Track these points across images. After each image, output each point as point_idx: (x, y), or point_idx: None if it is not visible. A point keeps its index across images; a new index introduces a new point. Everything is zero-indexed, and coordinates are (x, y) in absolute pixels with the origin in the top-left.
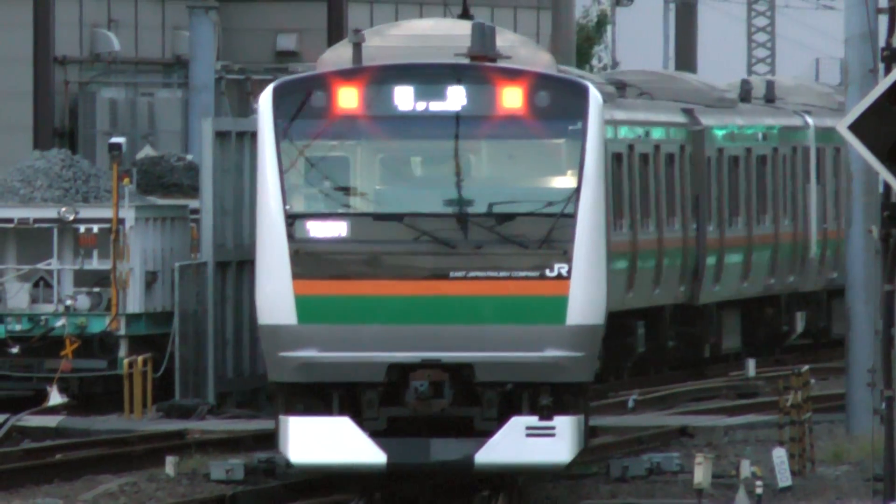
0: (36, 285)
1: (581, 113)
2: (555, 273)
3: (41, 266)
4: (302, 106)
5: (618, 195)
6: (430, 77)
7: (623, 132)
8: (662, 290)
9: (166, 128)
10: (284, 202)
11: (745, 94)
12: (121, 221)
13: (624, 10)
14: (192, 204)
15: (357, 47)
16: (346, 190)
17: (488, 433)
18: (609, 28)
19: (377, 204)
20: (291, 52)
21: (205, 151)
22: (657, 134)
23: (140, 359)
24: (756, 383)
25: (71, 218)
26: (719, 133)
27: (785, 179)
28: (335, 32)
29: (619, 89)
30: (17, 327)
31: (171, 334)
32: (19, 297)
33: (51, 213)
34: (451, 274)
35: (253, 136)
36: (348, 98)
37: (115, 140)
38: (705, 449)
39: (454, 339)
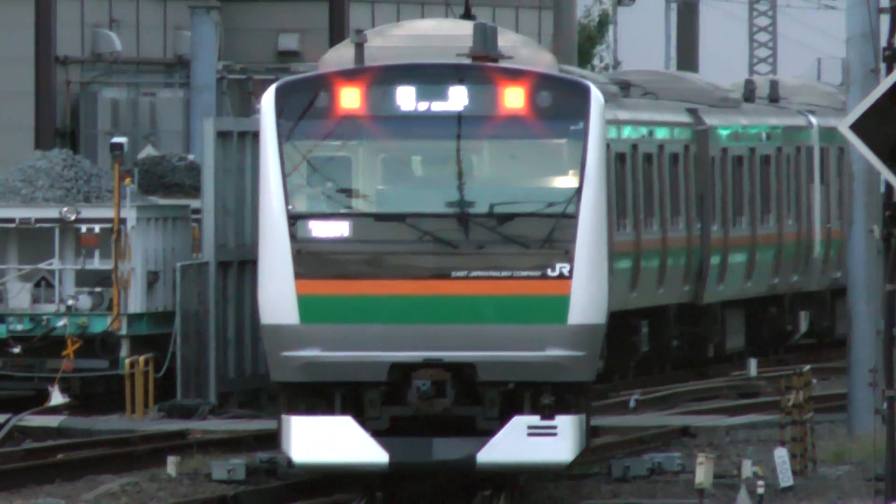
0: (37, 285)
1: (583, 113)
2: (556, 273)
3: (43, 266)
4: (304, 106)
5: (621, 195)
6: (432, 77)
7: (627, 132)
8: (666, 290)
9: (168, 128)
10: (287, 202)
11: (749, 93)
12: (122, 221)
13: (625, 9)
14: (194, 204)
15: (359, 47)
16: (348, 190)
17: (490, 432)
18: (611, 28)
19: (379, 204)
20: (293, 51)
21: (206, 151)
22: (661, 134)
23: (141, 359)
24: (757, 383)
25: (72, 218)
26: (723, 133)
27: (789, 179)
28: (337, 32)
29: (623, 89)
30: (19, 327)
31: (172, 334)
32: (21, 296)
33: (52, 212)
34: (453, 274)
35: (254, 136)
36: (351, 98)
37: (116, 140)
38: (707, 449)
39: (456, 338)
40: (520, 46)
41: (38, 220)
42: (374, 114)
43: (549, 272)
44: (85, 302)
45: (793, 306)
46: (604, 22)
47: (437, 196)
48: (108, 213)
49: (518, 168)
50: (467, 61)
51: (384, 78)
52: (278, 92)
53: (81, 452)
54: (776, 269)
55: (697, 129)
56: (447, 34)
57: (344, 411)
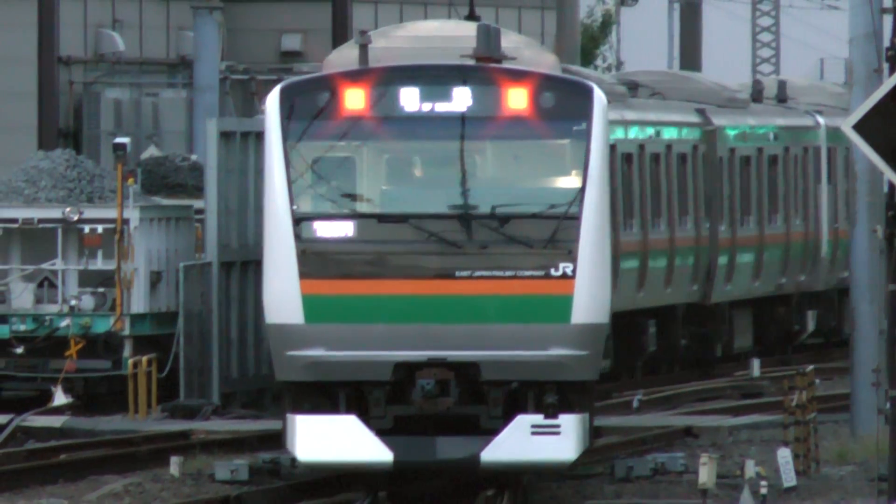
0: (40, 285)
1: (586, 113)
2: (559, 272)
3: (46, 266)
4: (309, 107)
5: (628, 195)
6: (435, 78)
7: (634, 132)
8: (674, 290)
9: (171, 128)
10: (291, 202)
11: (757, 94)
12: (125, 221)
13: (628, 10)
14: (197, 204)
15: (363, 48)
16: (352, 190)
17: (494, 431)
18: (613, 28)
19: (384, 204)
20: (296, 52)
21: (209, 151)
22: (669, 134)
23: (144, 359)
24: (761, 383)
25: (75, 218)
26: (731, 133)
27: (796, 179)
28: (339, 33)
29: (630, 89)
30: (22, 327)
31: (175, 334)
32: (24, 297)
33: (55, 213)
34: (457, 273)
35: (257, 136)
36: (355, 99)
37: (119, 140)
38: (710, 449)
39: (460, 338)
40: (523, 47)
41: (41, 221)
42: (379, 114)
43: (553, 272)
44: (88, 302)
45: (800, 306)
46: (607, 22)
47: (440, 196)
48: (111, 213)
49: (521, 168)
50: (471, 62)
51: (388, 79)
52: (283, 93)
53: (84, 453)
54: (784, 268)
55: (705, 129)
56: (450, 35)
57: (348, 410)
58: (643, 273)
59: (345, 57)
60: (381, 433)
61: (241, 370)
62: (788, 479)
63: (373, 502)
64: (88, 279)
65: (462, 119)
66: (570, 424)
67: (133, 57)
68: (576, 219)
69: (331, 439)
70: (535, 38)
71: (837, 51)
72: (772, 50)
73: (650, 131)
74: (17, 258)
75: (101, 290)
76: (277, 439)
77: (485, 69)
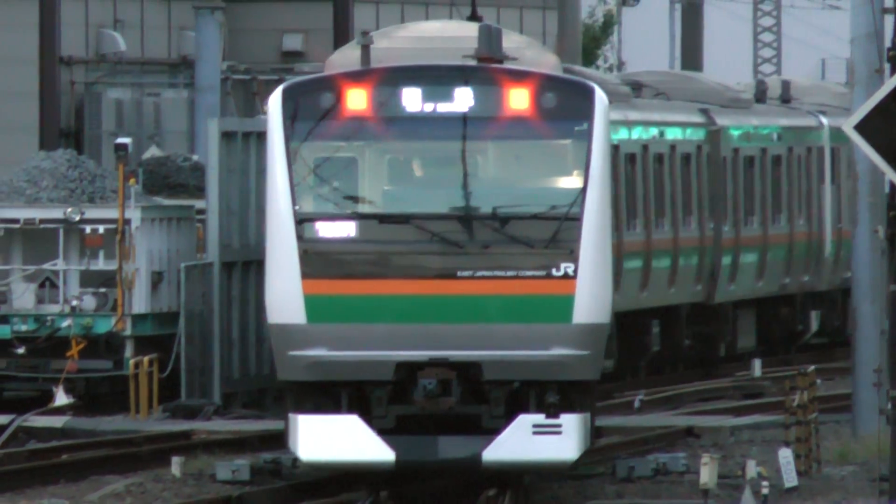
0: (42, 286)
1: (587, 114)
2: (561, 272)
3: (47, 266)
4: (311, 107)
5: (632, 195)
6: (437, 79)
7: (637, 132)
8: (678, 290)
9: (172, 128)
10: (294, 203)
11: (761, 94)
12: (127, 222)
13: (630, 10)
14: (198, 204)
15: (365, 49)
16: (354, 190)
17: (495, 431)
18: (615, 28)
19: (385, 204)
20: (297, 52)
21: (211, 152)
22: (673, 134)
23: (146, 359)
24: (762, 383)
25: (77, 218)
26: (735, 133)
27: (800, 179)
28: (341, 33)
29: (634, 90)
30: (23, 328)
31: (176, 335)
32: (25, 297)
33: (57, 213)
34: (459, 273)
35: (259, 136)
36: (357, 99)
37: (120, 140)
38: (711, 449)
39: (462, 337)
40: (524, 48)
41: (42, 221)
42: (381, 115)
43: (554, 272)
44: (89, 302)
45: (804, 306)
46: (608, 22)
47: (442, 196)
48: (113, 213)
49: (523, 169)
50: (472, 63)
51: (390, 79)
52: (285, 93)
53: (86, 453)
54: (787, 268)
55: (709, 129)
56: (452, 36)
57: (350, 410)
58: (646, 273)
59: (347, 57)
60: (383, 433)
61: (242, 370)
62: (790, 479)
63: (374, 502)
64: (90, 279)
65: (464, 119)
66: (572, 424)
67: (134, 57)
68: (577, 219)
69: (333, 439)
70: (536, 39)
71: (839, 51)
72: (773, 50)
73: (654, 131)
74: (19, 258)
75: (102, 290)
76: (279, 439)
77: (486, 70)
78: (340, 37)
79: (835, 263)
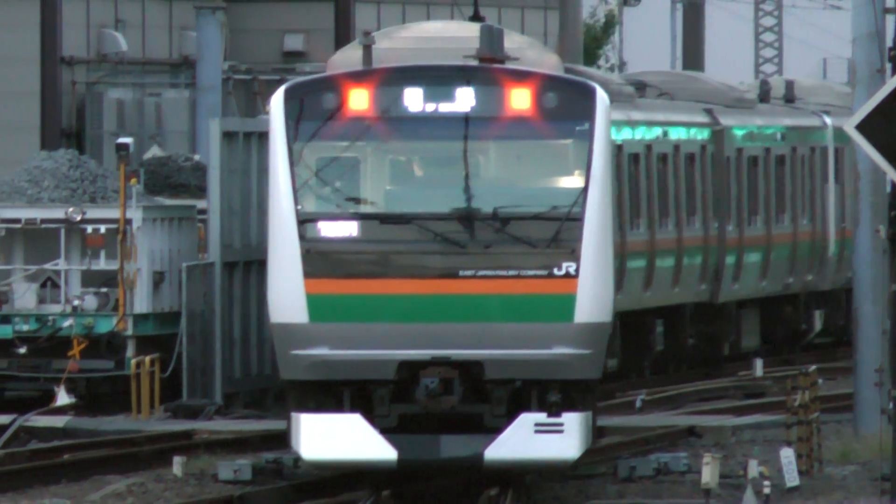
0: (43, 286)
1: (588, 114)
2: (563, 272)
3: (48, 266)
4: (313, 107)
5: (635, 195)
6: (439, 79)
7: (641, 132)
8: (682, 289)
9: (174, 128)
10: (296, 203)
11: (764, 94)
12: (128, 222)
13: (631, 10)
14: (200, 204)
15: (367, 49)
16: (356, 190)
17: (497, 430)
18: (616, 28)
19: (387, 204)
20: (298, 52)
21: (212, 152)
22: (676, 134)
23: (147, 359)
24: (763, 383)
25: (78, 218)
26: (738, 133)
27: (803, 179)
28: (342, 33)
29: (638, 89)
30: (25, 327)
31: (178, 334)
32: (27, 297)
33: (58, 213)
34: (461, 273)
35: (260, 136)
36: (359, 99)
37: (122, 140)
38: (713, 449)
39: (464, 336)
40: (525, 48)
41: (43, 221)
42: (383, 115)
43: (556, 271)
44: (91, 302)
45: (807, 305)
46: (609, 22)
47: (444, 196)
48: (114, 213)
49: (524, 168)
50: (474, 63)
51: (392, 79)
52: (287, 93)
53: (87, 453)
54: (791, 268)
55: (713, 129)
56: (454, 36)
57: (353, 409)
58: (650, 273)
59: (349, 58)
60: (386, 432)
61: (243, 370)
62: (791, 478)
63: (376, 501)
64: (91, 279)
65: (465, 119)
66: (573, 423)
67: (136, 57)
68: (578, 218)
69: (335, 438)
70: (537, 38)
71: (840, 51)
72: (775, 50)
73: (658, 131)
74: (20, 258)
75: (103, 290)
76: (280, 439)
77: (488, 70)
78: (342, 37)
79: (838, 263)
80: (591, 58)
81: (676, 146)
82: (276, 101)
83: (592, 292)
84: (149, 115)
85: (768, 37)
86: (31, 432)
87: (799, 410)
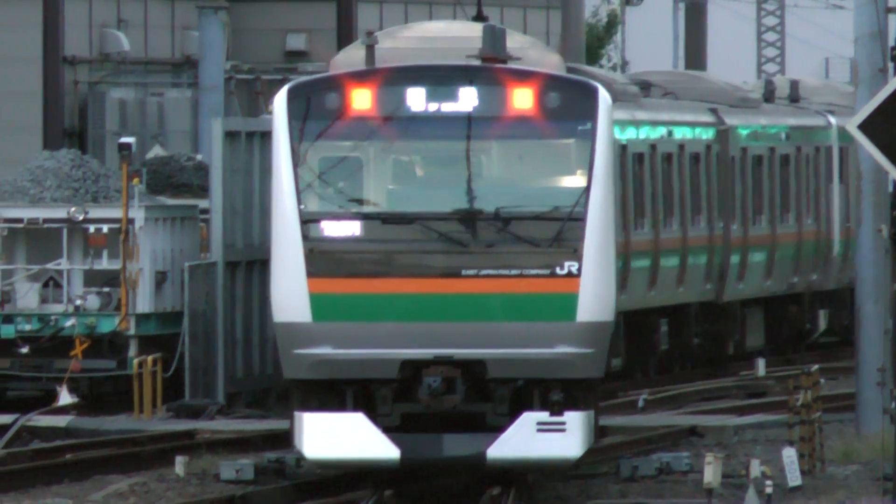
0: (45, 285)
1: (591, 113)
2: (565, 271)
3: (51, 266)
4: (316, 107)
5: (639, 194)
6: (442, 78)
7: (645, 131)
8: (687, 289)
9: (176, 128)
10: (299, 202)
11: (769, 94)
12: (130, 221)
13: (633, 9)
14: (202, 204)
15: (370, 49)
16: (359, 190)
17: (500, 428)
18: (619, 28)
19: (390, 204)
20: (301, 51)
21: (214, 151)
22: (681, 133)
23: (150, 359)
24: (766, 383)
25: (80, 218)
26: (743, 132)
27: (808, 179)
28: (344, 32)
29: (643, 89)
30: (27, 327)
31: (180, 334)
32: (29, 297)
33: (60, 213)
34: (463, 272)
35: (262, 136)
36: (362, 99)
37: (124, 140)
38: (715, 448)
39: (466, 335)
40: (528, 48)
41: (46, 221)
42: (385, 115)
43: (558, 270)
44: (93, 302)
45: (812, 305)
46: (612, 22)
47: (447, 196)
48: (117, 213)
49: (527, 168)
50: (476, 63)
51: (395, 79)
52: (290, 93)
53: (89, 452)
54: (796, 267)
55: (718, 128)
56: (456, 36)
57: (356, 408)
58: (654, 272)
59: (351, 57)
60: (388, 430)
61: (246, 370)
62: (793, 478)
63: (378, 501)
64: (93, 279)
65: (468, 119)
66: (576, 422)
67: (138, 57)
68: (581, 218)
69: (338, 437)
70: (540, 38)
71: (842, 50)
72: (777, 49)
73: (662, 130)
74: (23, 258)
75: (106, 289)
76: (282, 439)
77: (490, 69)
78: (344, 36)
79: (843, 262)
80: (593, 57)
81: (681, 146)
82: (280, 101)
83: (594, 292)
84: (151, 114)
85: (770, 36)
86: (34, 432)
87: (801, 410)
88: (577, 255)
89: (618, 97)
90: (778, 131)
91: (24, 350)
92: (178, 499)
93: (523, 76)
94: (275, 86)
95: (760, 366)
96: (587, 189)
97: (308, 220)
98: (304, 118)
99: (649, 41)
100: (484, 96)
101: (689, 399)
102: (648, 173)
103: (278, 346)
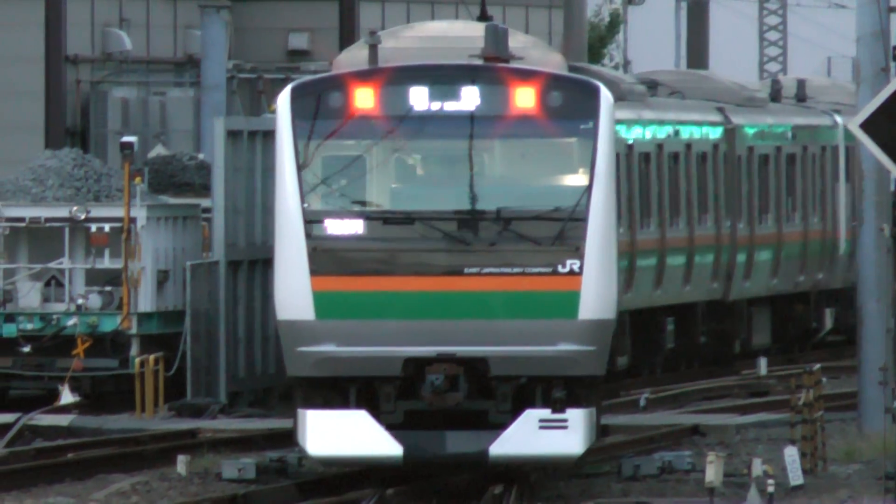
0: (48, 284)
1: (593, 112)
2: (567, 269)
3: (53, 265)
4: (319, 106)
5: (646, 193)
6: (444, 78)
7: (652, 130)
8: (693, 287)
9: (178, 127)
10: (302, 201)
11: (776, 93)
12: (132, 220)
13: (636, 8)
14: (204, 203)
15: (373, 49)
16: (362, 188)
17: (502, 426)
18: (621, 27)
19: (393, 202)
20: (303, 51)
21: (216, 150)
22: (688, 133)
23: (152, 358)
24: (768, 382)
25: (82, 217)
26: (749, 132)
27: (814, 177)
28: (347, 32)
29: (650, 88)
30: (29, 326)
31: (182, 333)
32: (31, 296)
33: (62, 212)
34: (466, 270)
35: (264, 135)
36: (365, 98)
37: (126, 139)
38: (717, 447)
39: (469, 333)
40: (530, 47)
41: (48, 220)
42: (388, 114)
43: (560, 268)
44: (95, 301)
45: (818, 303)
46: (614, 21)
47: (449, 194)
48: (119, 212)
49: (529, 167)
50: (479, 62)
51: (398, 78)
52: (294, 92)
53: (92, 451)
54: (802, 266)
55: (725, 127)
56: (459, 35)
57: (359, 405)
58: (661, 271)
59: (354, 57)
60: (392, 428)
61: (248, 369)
62: (795, 477)
63: (380, 500)
64: (95, 278)
65: (471, 118)
66: (578, 419)
67: (140, 56)
68: (583, 216)
69: (341, 434)
70: (542, 37)
71: (845, 49)
72: (779, 48)
73: (669, 130)
74: (25, 257)
75: (108, 288)
76: (285, 438)
77: (493, 69)
78: (346, 36)
79: (849, 261)
80: (595, 57)
81: (688, 145)
82: (283, 100)
83: (596, 289)
84: (153, 113)
85: (772, 35)
86: (36, 431)
87: (803, 409)
88: (578, 253)
89: (625, 96)
90: (784, 130)
91: (26, 349)
92: (180, 498)
93: (525, 75)
94: (277, 85)
95: (762, 365)
96: (589, 187)
97: (311, 219)
98: (308, 117)
99: (651, 40)
100: (486, 96)
101: (691, 398)
102: (655, 172)
103: (281, 343)
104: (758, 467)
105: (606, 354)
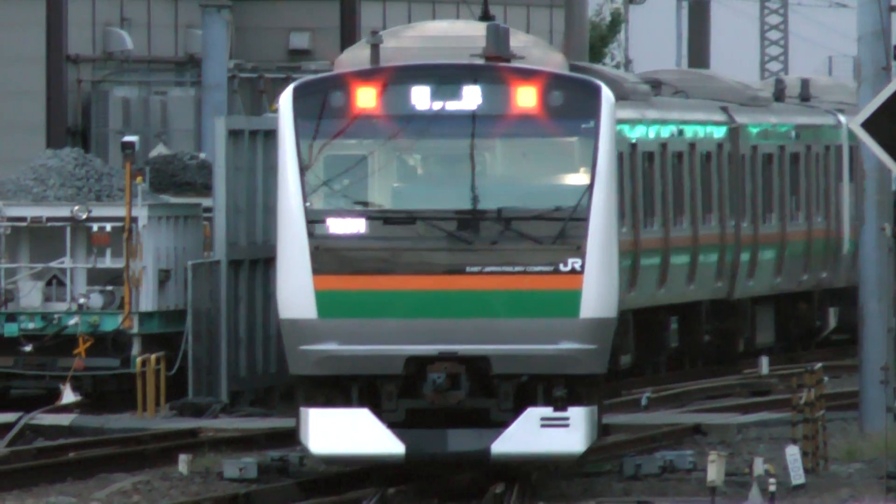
0: (49, 284)
1: (594, 112)
2: (568, 268)
3: (54, 264)
4: (321, 105)
5: (650, 193)
6: (446, 77)
7: (656, 130)
8: (697, 286)
9: (179, 126)
10: (304, 200)
11: (779, 92)
12: (134, 220)
13: (637, 8)
14: (205, 202)
15: (375, 48)
16: (364, 188)
17: (504, 424)
18: (622, 26)
19: (395, 201)
20: (304, 50)
21: (218, 150)
22: (692, 132)
23: (153, 357)
24: (769, 381)
25: (84, 216)
26: (753, 131)
27: (818, 177)
28: (348, 31)
29: (653, 88)
30: (31, 326)
31: (184, 333)
32: (32, 295)
33: (64, 211)
34: (468, 269)
35: (266, 134)
36: (367, 98)
37: (127, 139)
38: (718, 447)
39: (470, 332)
40: (531, 47)
41: (49, 219)
42: (390, 113)
43: (562, 267)
44: (96, 300)
45: (822, 302)
46: (615, 20)
47: (451, 193)
48: (120, 211)
49: (531, 166)
50: (480, 61)
51: (399, 78)
52: (296, 92)
53: (93, 451)
54: (805, 265)
55: (729, 126)
56: (460, 35)
57: (361, 404)
58: (665, 270)
59: (356, 56)
60: (394, 426)
61: (249, 368)
62: (797, 476)
63: (382, 499)
64: (97, 277)
65: (472, 117)
66: (579, 417)
67: (141, 55)
68: (584, 215)
69: (344, 432)
70: (543, 37)
71: (846, 48)
72: (780, 48)
73: (673, 129)
74: (26, 256)
75: (109, 288)
76: (286, 437)
77: (494, 68)
78: (347, 35)
79: (853, 261)
80: (596, 56)
81: (692, 144)
82: (285, 100)
83: (597, 288)
84: (154, 113)
85: (774, 34)
86: (37, 430)
87: (804, 408)
88: (580, 252)
89: (628, 96)
90: (788, 130)
91: (28, 348)
92: (182, 497)
93: (527, 75)
94: (278, 84)
95: (764, 364)
96: (590, 187)
97: (313, 218)
98: (310, 117)
99: (652, 40)
100: (488, 95)
101: (692, 397)
102: (659, 172)
103: (284, 342)
104: (759, 466)
105: (608, 353)
